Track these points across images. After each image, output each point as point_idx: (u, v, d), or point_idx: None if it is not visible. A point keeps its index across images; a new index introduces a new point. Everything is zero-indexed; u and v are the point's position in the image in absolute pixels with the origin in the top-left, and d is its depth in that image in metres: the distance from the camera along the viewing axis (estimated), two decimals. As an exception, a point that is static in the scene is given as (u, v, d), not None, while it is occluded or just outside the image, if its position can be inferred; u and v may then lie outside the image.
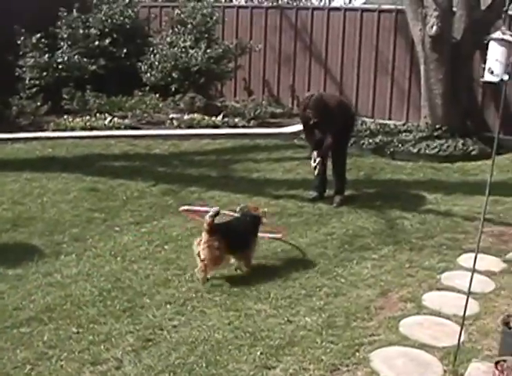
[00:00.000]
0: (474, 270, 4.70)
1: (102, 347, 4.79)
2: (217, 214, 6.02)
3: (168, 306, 5.46)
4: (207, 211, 6.20)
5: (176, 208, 7.99)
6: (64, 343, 4.84)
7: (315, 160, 8.29)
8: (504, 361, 4.25)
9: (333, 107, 8.32)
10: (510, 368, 4.16)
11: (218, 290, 5.79)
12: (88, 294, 5.63)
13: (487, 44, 4.38)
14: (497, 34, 4.29)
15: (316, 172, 8.39)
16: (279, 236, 7.14)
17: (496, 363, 4.24)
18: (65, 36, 14.66)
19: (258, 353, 4.74)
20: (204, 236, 5.94)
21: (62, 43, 14.61)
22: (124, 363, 4.60)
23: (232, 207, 8.07)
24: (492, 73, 4.30)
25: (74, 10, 14.98)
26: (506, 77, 4.28)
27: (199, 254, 5.97)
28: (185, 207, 7.78)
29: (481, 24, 11.92)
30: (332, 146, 8.26)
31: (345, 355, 4.78)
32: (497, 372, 4.13)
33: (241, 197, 8.47)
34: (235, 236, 6.14)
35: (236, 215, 6.76)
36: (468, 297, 4.74)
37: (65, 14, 14.79)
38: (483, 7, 12.45)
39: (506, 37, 4.26)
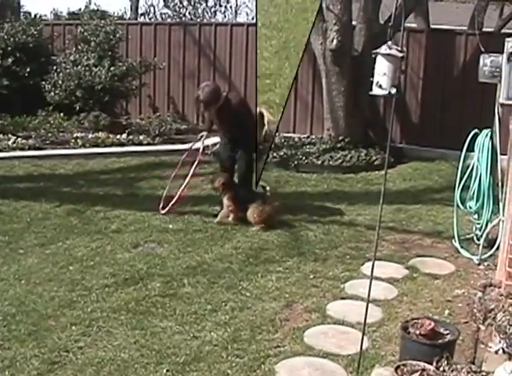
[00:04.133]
0: (372, 278, 4.80)
1: (6, 373, 4.68)
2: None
3: (74, 328, 5.38)
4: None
5: (81, 228, 7.93)
6: (-33, 372, 4.72)
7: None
8: (404, 365, 4.36)
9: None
10: (410, 372, 4.27)
11: (123, 309, 5.74)
12: (-8, 320, 5.52)
13: (374, 58, 4.50)
14: (384, 49, 4.41)
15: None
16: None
17: (396, 367, 4.34)
18: (-36, 56, 14.35)
19: (164, 371, 4.72)
20: None
21: (-39, 63, 14.29)
22: (28, 388, 4.51)
23: (137, 225, 8.10)
24: (380, 87, 4.42)
25: (-26, 29, 14.71)
26: (393, 91, 4.40)
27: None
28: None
29: (380, 37, 12.21)
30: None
31: (251, 368, 4.80)
32: (397, 377, 4.24)
33: (146, 214, 8.43)
34: None
35: None
36: (368, 304, 4.82)
37: (-36, 33, 14.50)
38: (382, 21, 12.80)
39: (393, 51, 4.39)
